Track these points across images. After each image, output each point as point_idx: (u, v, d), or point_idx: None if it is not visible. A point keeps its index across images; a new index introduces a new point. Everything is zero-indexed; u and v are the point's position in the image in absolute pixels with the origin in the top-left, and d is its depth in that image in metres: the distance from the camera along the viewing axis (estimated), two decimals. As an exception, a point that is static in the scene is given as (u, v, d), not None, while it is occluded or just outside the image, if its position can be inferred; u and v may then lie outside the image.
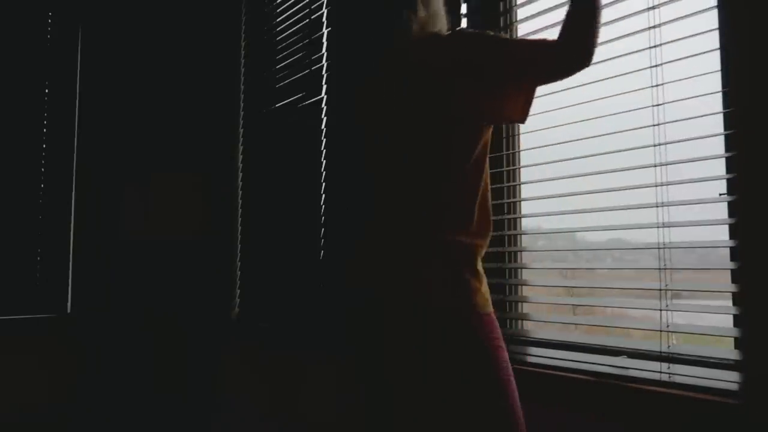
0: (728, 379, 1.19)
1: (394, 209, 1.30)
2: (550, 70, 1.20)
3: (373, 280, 1.29)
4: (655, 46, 1.34)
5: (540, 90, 1.25)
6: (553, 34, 1.19)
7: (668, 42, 1.33)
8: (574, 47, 1.18)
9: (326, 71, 2.38)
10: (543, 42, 1.20)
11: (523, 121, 1.26)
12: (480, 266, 1.27)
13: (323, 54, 2.40)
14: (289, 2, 2.64)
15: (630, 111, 1.38)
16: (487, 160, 1.30)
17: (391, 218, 1.29)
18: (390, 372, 1.25)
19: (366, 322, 1.29)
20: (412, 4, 1.26)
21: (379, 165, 1.35)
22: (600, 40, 1.20)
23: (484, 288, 1.25)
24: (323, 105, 2.37)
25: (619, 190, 1.40)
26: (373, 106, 1.39)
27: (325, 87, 2.38)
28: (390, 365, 1.25)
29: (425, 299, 1.20)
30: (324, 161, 2.35)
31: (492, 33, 1.27)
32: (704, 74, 1.27)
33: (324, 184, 2.31)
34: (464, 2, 1.82)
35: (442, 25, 1.32)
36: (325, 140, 2.34)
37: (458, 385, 1.18)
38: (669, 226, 1.31)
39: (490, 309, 1.25)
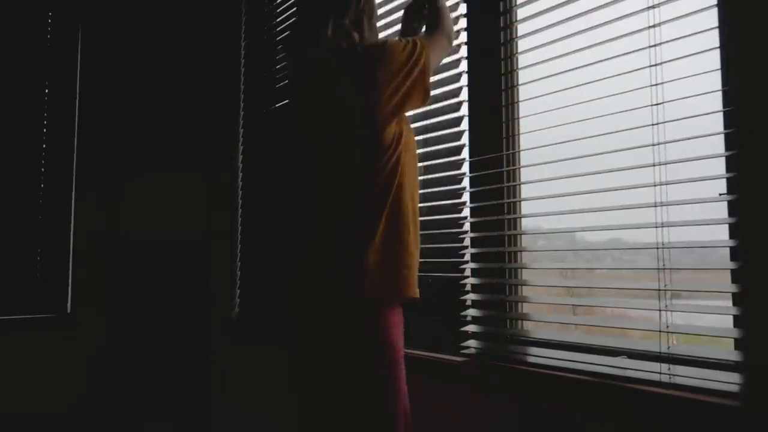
0: (728, 380, 1.19)
1: (315, 216, 1.46)
2: (434, 55, 1.46)
3: (301, 282, 1.46)
4: (654, 46, 1.34)
5: (540, 90, 1.27)
6: (552, 35, 1.22)
7: (668, 41, 1.32)
8: (439, 33, 1.51)
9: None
10: (425, 35, 1.50)
11: (426, 103, 1.48)
12: (404, 257, 1.38)
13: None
14: (290, 2, 2.64)
15: (629, 110, 1.37)
16: (406, 170, 1.42)
17: (315, 223, 1.46)
18: (311, 361, 1.43)
19: (296, 319, 1.47)
20: (339, 19, 1.44)
21: (307, 174, 1.50)
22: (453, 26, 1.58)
23: (401, 279, 1.36)
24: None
25: (619, 189, 1.40)
26: (302, 114, 1.55)
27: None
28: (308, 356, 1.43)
29: (329, 294, 1.36)
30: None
31: (395, 40, 1.45)
32: (704, 73, 1.26)
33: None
34: (464, 2, 1.82)
35: (362, 37, 1.48)
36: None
37: (345, 373, 1.34)
38: (668, 226, 1.31)
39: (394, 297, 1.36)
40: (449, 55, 1.62)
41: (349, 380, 1.33)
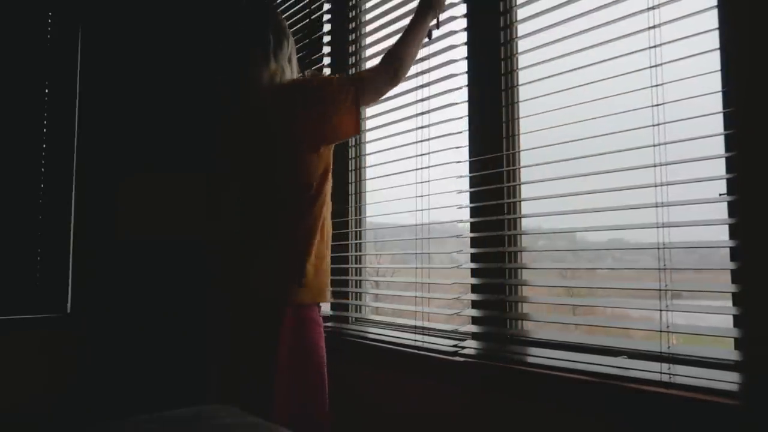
0: (729, 380, 1.19)
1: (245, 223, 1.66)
2: (370, 91, 1.62)
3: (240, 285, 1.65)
4: (655, 46, 1.34)
5: (540, 90, 1.28)
6: (552, 35, 1.23)
7: (668, 42, 1.32)
8: (386, 69, 1.63)
9: (328, 68, 2.38)
10: (362, 71, 1.71)
11: (358, 133, 1.68)
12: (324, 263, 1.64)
13: (323, 54, 2.40)
14: (289, 2, 2.64)
15: (630, 111, 1.38)
16: (327, 189, 1.63)
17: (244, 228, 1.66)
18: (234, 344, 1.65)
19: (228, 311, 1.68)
20: (264, 57, 1.61)
21: (238, 190, 1.68)
22: (412, 60, 1.70)
23: (318, 285, 1.61)
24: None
25: (619, 190, 1.40)
26: (235, 140, 1.71)
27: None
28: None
29: (254, 294, 1.59)
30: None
31: (325, 76, 1.71)
32: (704, 74, 1.26)
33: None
34: (464, 2, 1.82)
35: (289, 74, 1.67)
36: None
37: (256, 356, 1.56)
38: (669, 226, 1.31)
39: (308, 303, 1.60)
40: (394, 87, 1.71)
41: (285, 356, 1.55)
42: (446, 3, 1.76)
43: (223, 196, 1.78)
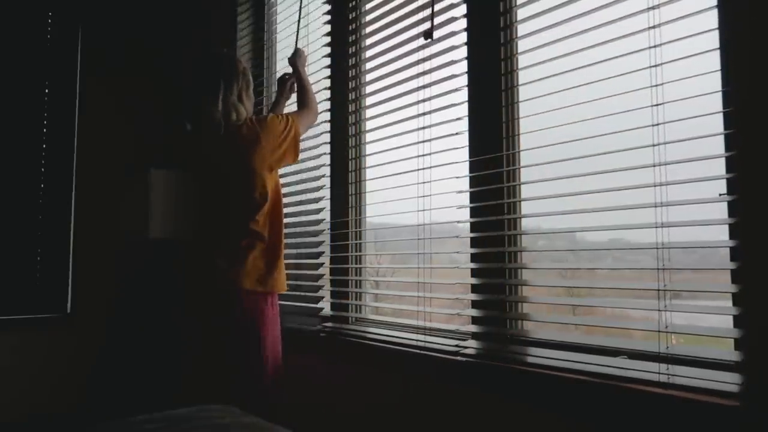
0: (727, 381, 1.19)
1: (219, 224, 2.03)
2: (302, 128, 2.06)
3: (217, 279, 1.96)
4: (654, 46, 1.34)
5: (540, 90, 1.28)
6: (552, 35, 1.23)
7: (668, 42, 1.32)
8: (308, 110, 2.13)
9: (329, 68, 2.38)
10: (294, 112, 2.11)
11: (296, 161, 2.11)
12: (279, 262, 1.99)
13: (320, 56, 2.40)
14: (289, 2, 2.64)
15: (630, 111, 1.37)
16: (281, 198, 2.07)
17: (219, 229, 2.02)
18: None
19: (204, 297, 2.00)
20: (226, 92, 1.96)
21: (212, 201, 2.06)
22: (316, 101, 2.21)
23: (275, 277, 1.97)
24: (328, 107, 2.37)
25: (619, 190, 1.40)
26: (205, 161, 2.06)
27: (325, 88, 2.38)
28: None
29: (231, 283, 1.92)
30: (324, 159, 2.36)
31: (273, 114, 2.09)
32: (704, 74, 1.26)
33: (327, 182, 2.33)
34: (464, 2, 1.82)
35: (247, 111, 2.01)
36: (330, 134, 2.34)
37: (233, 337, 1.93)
38: (668, 226, 1.31)
39: (270, 290, 1.96)
40: (316, 119, 2.19)
41: (244, 335, 1.91)
42: (305, 56, 2.30)
43: (199, 205, 2.13)
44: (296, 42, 2.42)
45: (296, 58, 2.24)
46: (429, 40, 1.85)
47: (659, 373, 1.28)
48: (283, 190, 2.58)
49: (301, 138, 2.05)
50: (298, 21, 2.45)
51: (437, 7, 1.86)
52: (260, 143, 1.94)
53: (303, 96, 2.18)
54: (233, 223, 1.96)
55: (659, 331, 1.30)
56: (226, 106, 1.96)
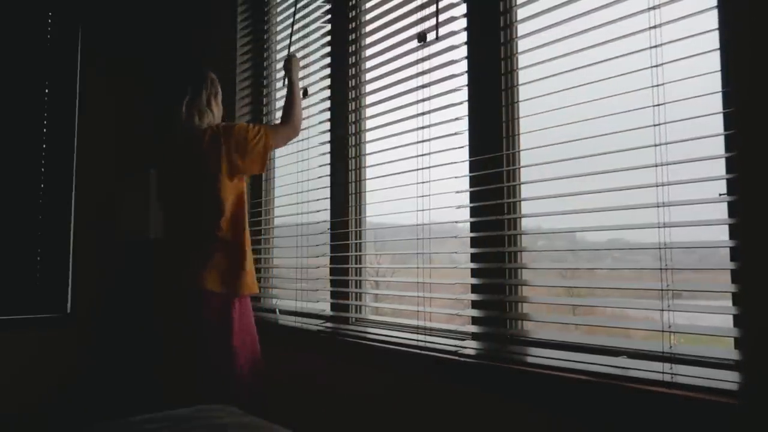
0: (730, 380, 1.19)
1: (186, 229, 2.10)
2: (276, 141, 2.12)
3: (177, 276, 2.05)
4: (655, 46, 1.34)
5: (540, 90, 1.29)
6: (552, 35, 1.27)
7: (669, 42, 1.32)
8: (288, 125, 2.15)
9: (329, 67, 2.38)
10: (272, 125, 2.21)
11: (262, 172, 2.23)
12: (245, 264, 2.03)
13: (319, 56, 2.40)
14: (289, 3, 2.64)
15: (630, 111, 1.37)
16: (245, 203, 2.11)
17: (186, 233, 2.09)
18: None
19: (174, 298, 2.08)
20: (194, 99, 2.06)
21: (177, 204, 2.13)
22: (301, 116, 2.23)
23: (244, 280, 2.02)
24: (328, 107, 2.37)
25: (620, 190, 1.40)
26: (171, 165, 2.13)
27: (326, 90, 2.38)
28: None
29: (196, 285, 1.97)
30: (326, 159, 2.36)
31: (245, 123, 2.13)
32: (705, 74, 1.26)
33: (329, 182, 2.33)
34: (464, 2, 1.82)
35: (214, 118, 2.10)
36: (330, 134, 2.34)
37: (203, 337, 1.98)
38: (670, 226, 1.31)
39: (239, 294, 2.01)
40: (297, 134, 2.23)
41: (211, 337, 1.97)
42: (299, 62, 2.31)
43: (169, 210, 2.19)
44: (289, 46, 2.43)
45: (289, 64, 2.24)
46: (422, 42, 1.86)
47: (663, 372, 1.27)
48: (283, 190, 2.59)
49: (274, 150, 2.15)
50: (292, 24, 2.44)
51: (438, 6, 1.86)
52: (221, 150, 1.99)
53: (288, 108, 2.18)
54: (196, 226, 2.03)
55: (662, 331, 1.30)
56: (190, 110, 2.03)
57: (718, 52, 1.25)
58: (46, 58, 2.96)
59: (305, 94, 2.41)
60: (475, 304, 1.75)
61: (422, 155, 1.90)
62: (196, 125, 2.04)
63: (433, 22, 1.87)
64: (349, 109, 2.27)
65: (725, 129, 1.24)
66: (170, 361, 2.14)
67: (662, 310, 1.30)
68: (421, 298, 1.87)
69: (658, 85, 1.33)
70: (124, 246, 3.03)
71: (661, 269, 1.31)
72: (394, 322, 2.03)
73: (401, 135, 2.00)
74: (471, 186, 1.76)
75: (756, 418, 1.12)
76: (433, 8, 1.88)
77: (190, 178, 2.05)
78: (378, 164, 2.14)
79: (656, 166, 1.32)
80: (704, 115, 1.25)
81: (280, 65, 2.70)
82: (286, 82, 2.24)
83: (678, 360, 1.29)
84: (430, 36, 1.87)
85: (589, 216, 1.50)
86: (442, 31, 1.85)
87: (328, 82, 2.36)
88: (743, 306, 1.18)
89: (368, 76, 2.22)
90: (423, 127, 1.91)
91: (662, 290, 1.30)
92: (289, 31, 2.47)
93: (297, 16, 2.56)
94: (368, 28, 2.21)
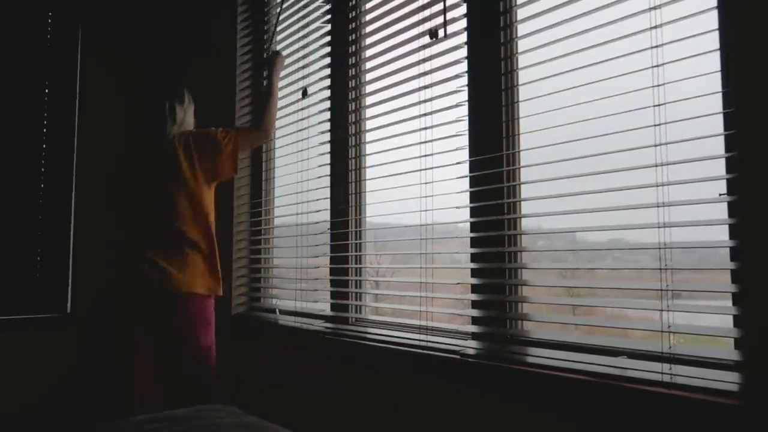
0: (730, 380, 1.19)
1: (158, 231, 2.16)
2: (245, 144, 2.23)
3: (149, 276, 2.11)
4: (656, 47, 1.34)
5: (540, 90, 1.30)
6: (553, 35, 1.30)
7: (669, 42, 1.32)
8: (259, 129, 2.23)
9: (329, 67, 2.38)
10: (240, 127, 2.32)
11: (235, 174, 2.24)
12: (218, 266, 2.17)
13: (319, 56, 2.40)
14: (289, 2, 2.64)
15: (631, 111, 1.37)
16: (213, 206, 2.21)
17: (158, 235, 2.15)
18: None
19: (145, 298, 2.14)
20: (172, 112, 2.21)
21: (151, 207, 2.20)
22: (275, 120, 2.29)
23: (219, 282, 2.17)
24: (328, 107, 2.37)
25: (620, 190, 1.40)
26: (150, 168, 2.23)
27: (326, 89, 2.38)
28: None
29: (182, 288, 2.08)
30: (328, 159, 2.36)
31: (214, 128, 2.21)
32: (705, 74, 1.26)
33: (329, 182, 2.33)
34: (464, 2, 1.82)
35: (189, 125, 2.26)
36: (330, 134, 2.34)
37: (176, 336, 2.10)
38: (669, 226, 1.31)
39: (218, 294, 2.18)
40: (269, 138, 2.37)
41: (185, 336, 2.09)
42: (283, 61, 2.37)
43: (141, 215, 2.25)
44: (270, 44, 2.44)
45: (272, 64, 2.28)
46: (434, 39, 1.85)
47: (662, 372, 1.28)
48: (283, 190, 2.59)
49: (244, 152, 2.27)
50: (276, 22, 2.43)
51: (440, 6, 1.86)
52: (193, 155, 2.12)
53: (263, 110, 2.23)
54: (171, 231, 2.10)
55: (662, 331, 1.30)
56: (164, 122, 2.17)
57: (718, 52, 1.25)
58: (46, 58, 2.96)
59: (305, 94, 2.41)
60: (475, 304, 1.75)
61: (425, 156, 1.90)
62: (168, 134, 2.17)
63: (436, 21, 1.87)
64: (349, 109, 2.27)
65: (725, 129, 1.24)
66: (143, 364, 2.15)
67: (661, 310, 1.30)
68: (424, 298, 1.87)
69: (658, 86, 1.33)
70: (125, 246, 3.02)
71: (660, 269, 1.31)
72: (395, 322, 2.03)
73: (403, 135, 2.00)
74: (471, 186, 1.77)
75: (757, 418, 1.12)
76: (434, 8, 1.89)
77: (164, 184, 2.13)
78: (379, 164, 2.14)
79: (656, 166, 1.32)
80: (704, 116, 1.25)
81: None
82: (266, 81, 2.28)
83: (677, 360, 1.29)
84: (441, 33, 1.86)
85: (589, 216, 1.50)
86: (442, 31, 1.85)
87: (328, 82, 2.36)
88: (743, 306, 1.18)
89: (368, 76, 2.22)
90: (425, 128, 1.91)
91: (661, 290, 1.30)
92: (294, 28, 2.45)
93: (297, 16, 2.56)
94: (368, 29, 2.22)
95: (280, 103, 2.69)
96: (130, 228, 2.28)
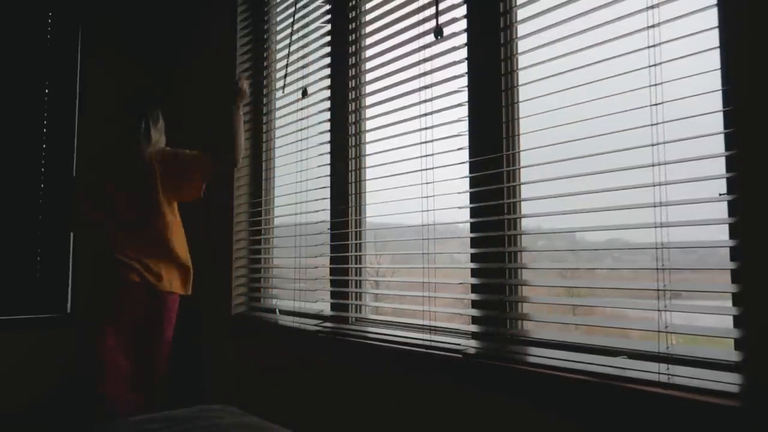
0: (727, 381, 1.19)
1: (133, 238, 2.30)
2: (209, 174, 2.36)
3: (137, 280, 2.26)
4: (654, 46, 1.34)
5: (540, 90, 1.32)
6: (552, 35, 1.32)
7: (667, 41, 1.32)
8: (225, 157, 2.33)
9: (329, 67, 2.38)
10: (212, 155, 2.32)
11: (200, 199, 2.39)
12: (187, 271, 2.38)
13: (319, 56, 2.40)
14: (289, 2, 2.64)
15: (629, 110, 1.38)
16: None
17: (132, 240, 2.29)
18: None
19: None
20: (147, 132, 2.32)
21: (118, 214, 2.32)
22: (243, 148, 2.42)
23: (190, 282, 2.39)
24: (328, 107, 2.37)
25: (617, 190, 1.40)
26: (124, 178, 2.32)
27: (326, 90, 2.39)
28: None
29: (160, 287, 2.28)
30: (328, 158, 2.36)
31: (188, 152, 2.34)
32: (703, 73, 1.26)
33: (329, 182, 2.33)
34: (464, 2, 1.82)
35: (162, 143, 2.38)
36: (330, 134, 2.34)
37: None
38: (666, 226, 1.31)
39: (188, 293, 2.39)
40: (236, 166, 2.44)
41: (157, 330, 2.28)
42: (246, 92, 2.43)
43: (112, 221, 2.32)
44: (236, 76, 2.53)
45: (235, 94, 2.36)
46: (439, 38, 1.85)
47: (659, 373, 1.28)
48: (283, 190, 2.60)
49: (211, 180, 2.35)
50: (287, 63, 2.42)
51: (441, 5, 1.86)
52: (160, 173, 2.26)
53: (234, 142, 2.31)
54: (149, 239, 2.27)
55: (659, 331, 1.30)
56: (135, 137, 2.28)
57: (714, 52, 1.25)
58: (46, 58, 2.96)
59: (304, 94, 2.41)
60: (476, 304, 1.75)
61: (425, 156, 1.91)
62: (142, 150, 2.28)
63: (439, 19, 1.87)
64: (349, 109, 2.27)
65: (725, 127, 1.24)
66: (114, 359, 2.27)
67: (658, 311, 1.30)
68: (426, 298, 1.87)
69: (656, 85, 1.33)
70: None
71: (657, 269, 1.31)
72: (396, 322, 2.03)
73: (404, 136, 2.00)
74: (471, 186, 1.77)
75: (757, 419, 1.12)
76: (434, 8, 1.89)
77: (145, 198, 2.27)
78: (380, 164, 2.14)
79: (653, 165, 1.33)
80: (703, 114, 1.26)
81: (280, 65, 2.70)
82: (231, 113, 2.34)
83: (674, 360, 1.29)
84: (446, 31, 1.86)
85: (588, 216, 1.50)
86: (443, 32, 1.86)
87: (328, 82, 2.36)
88: (744, 306, 1.18)
89: (368, 76, 2.22)
90: (426, 128, 1.91)
91: (658, 290, 1.30)
92: (292, 28, 2.45)
93: (296, 16, 2.57)
94: (368, 29, 2.22)
95: (279, 103, 2.70)
96: (100, 231, 2.33)
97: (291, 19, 2.46)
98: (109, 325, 2.21)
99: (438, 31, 1.85)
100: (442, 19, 1.86)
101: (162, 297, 2.26)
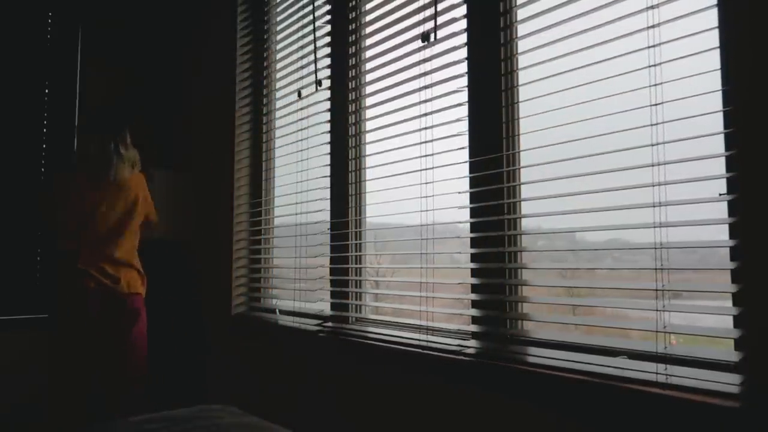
0: (725, 381, 1.19)
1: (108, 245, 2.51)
2: (154, 220, 2.71)
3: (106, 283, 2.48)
4: (654, 46, 1.34)
5: (540, 90, 1.37)
6: (552, 35, 1.35)
7: (667, 41, 1.32)
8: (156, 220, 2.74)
9: (329, 68, 2.38)
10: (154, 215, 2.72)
11: (150, 223, 2.69)
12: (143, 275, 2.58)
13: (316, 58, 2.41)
14: (289, 2, 2.64)
15: (629, 111, 1.38)
16: None
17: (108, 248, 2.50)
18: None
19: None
20: (117, 151, 2.49)
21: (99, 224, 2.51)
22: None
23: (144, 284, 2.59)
24: (328, 107, 2.37)
25: (616, 190, 1.40)
26: (93, 196, 2.50)
27: (327, 89, 2.39)
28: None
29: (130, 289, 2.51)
30: (328, 158, 2.36)
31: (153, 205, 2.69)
32: (703, 73, 1.26)
33: (329, 182, 2.33)
34: (464, 2, 1.82)
35: (135, 157, 2.56)
36: (330, 134, 2.34)
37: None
38: (666, 226, 1.31)
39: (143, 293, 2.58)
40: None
41: (129, 329, 2.48)
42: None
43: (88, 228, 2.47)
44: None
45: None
46: (425, 42, 1.85)
47: (657, 373, 1.28)
48: (283, 190, 2.60)
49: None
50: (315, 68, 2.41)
51: (439, 7, 1.86)
52: (141, 194, 2.56)
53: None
54: (122, 247, 2.48)
55: (657, 331, 1.30)
56: (108, 152, 2.44)
57: (714, 52, 1.25)
58: (46, 58, 2.96)
59: (299, 96, 2.45)
60: (475, 304, 1.75)
61: (425, 156, 1.91)
62: (118, 166, 2.47)
63: (436, 22, 1.88)
64: (349, 109, 2.27)
65: (725, 127, 1.24)
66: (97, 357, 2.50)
67: (657, 311, 1.30)
68: (424, 298, 1.87)
69: (655, 85, 1.33)
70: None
71: (656, 269, 1.31)
72: (395, 322, 2.03)
73: (404, 136, 2.00)
74: (471, 186, 1.77)
75: (757, 420, 1.12)
76: (434, 9, 1.89)
77: (118, 214, 2.50)
78: (380, 165, 2.14)
79: (653, 165, 1.33)
80: (703, 114, 1.26)
81: (280, 65, 2.70)
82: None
83: (673, 360, 1.29)
84: (438, 35, 1.87)
85: (588, 216, 1.50)
86: (443, 32, 1.86)
87: (328, 82, 2.36)
88: (744, 306, 1.18)
89: (368, 76, 2.22)
90: (426, 128, 1.91)
91: (657, 290, 1.30)
92: (293, 30, 2.45)
93: (296, 16, 2.57)
94: (368, 29, 2.22)
95: (279, 104, 2.70)
96: (66, 242, 2.48)
97: (311, 16, 2.44)
98: (79, 333, 2.42)
99: (425, 36, 1.86)
100: (442, 19, 1.86)
101: (121, 298, 2.44)
